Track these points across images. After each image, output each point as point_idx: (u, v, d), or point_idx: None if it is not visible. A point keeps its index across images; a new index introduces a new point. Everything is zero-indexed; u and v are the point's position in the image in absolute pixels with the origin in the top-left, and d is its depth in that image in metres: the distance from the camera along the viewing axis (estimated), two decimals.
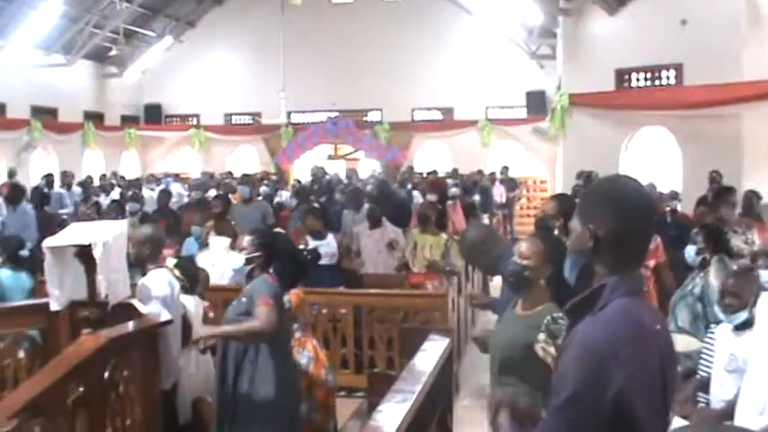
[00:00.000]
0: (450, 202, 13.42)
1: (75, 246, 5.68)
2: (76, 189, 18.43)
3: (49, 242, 5.78)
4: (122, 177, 22.95)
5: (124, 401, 5.27)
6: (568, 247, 2.68)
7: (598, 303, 2.50)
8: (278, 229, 8.22)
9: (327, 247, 9.82)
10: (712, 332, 5.75)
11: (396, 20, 27.55)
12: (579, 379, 2.36)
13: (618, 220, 2.53)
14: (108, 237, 5.58)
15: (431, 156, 27.74)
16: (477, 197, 17.95)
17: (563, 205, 5.72)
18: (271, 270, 5.76)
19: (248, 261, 5.75)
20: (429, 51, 27.48)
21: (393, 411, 3.82)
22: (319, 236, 9.91)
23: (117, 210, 12.56)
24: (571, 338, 2.49)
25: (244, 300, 5.56)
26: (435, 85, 27.89)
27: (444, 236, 10.23)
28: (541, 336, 4.03)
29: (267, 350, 5.48)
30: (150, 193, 17.46)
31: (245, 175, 15.25)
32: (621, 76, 20.12)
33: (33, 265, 8.69)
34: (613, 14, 19.69)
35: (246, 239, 5.84)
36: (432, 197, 12.58)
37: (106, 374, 5.06)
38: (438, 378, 4.73)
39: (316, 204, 11.72)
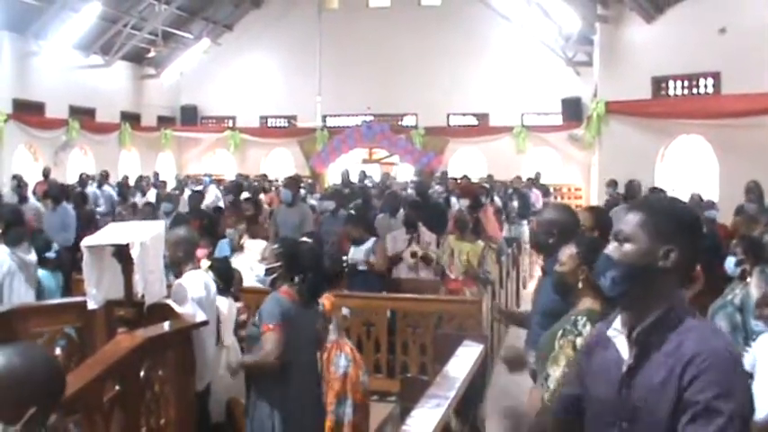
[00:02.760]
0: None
1: (112, 245, 5.71)
2: (112, 189, 18.53)
3: (87, 241, 5.81)
4: (158, 177, 23.05)
5: (159, 401, 5.28)
6: (618, 259, 2.64)
7: (671, 321, 2.55)
8: (306, 238, 8.16)
9: (365, 253, 9.83)
10: (753, 341, 5.72)
11: (432, 24, 27.55)
12: (737, 389, 2.38)
13: (694, 243, 2.62)
14: (145, 237, 5.61)
15: (465, 161, 27.67)
16: (515, 203, 17.91)
17: (599, 218, 5.67)
18: (296, 280, 5.66)
19: (268, 272, 5.74)
20: (465, 56, 27.42)
21: (426, 417, 3.80)
22: (359, 242, 9.92)
23: (150, 210, 12.64)
24: (677, 354, 2.48)
25: (256, 319, 5.57)
26: (471, 90, 27.83)
27: (481, 243, 10.20)
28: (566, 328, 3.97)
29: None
30: (188, 195, 17.56)
31: (289, 178, 14.94)
32: (658, 83, 19.97)
33: (61, 265, 8.75)
34: (651, 22, 19.54)
35: (269, 249, 5.83)
36: (464, 202, 12.52)
37: (142, 374, 5.08)
38: (471, 384, 4.71)
39: (352, 211, 11.69)
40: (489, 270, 9.99)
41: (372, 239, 10.12)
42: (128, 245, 5.58)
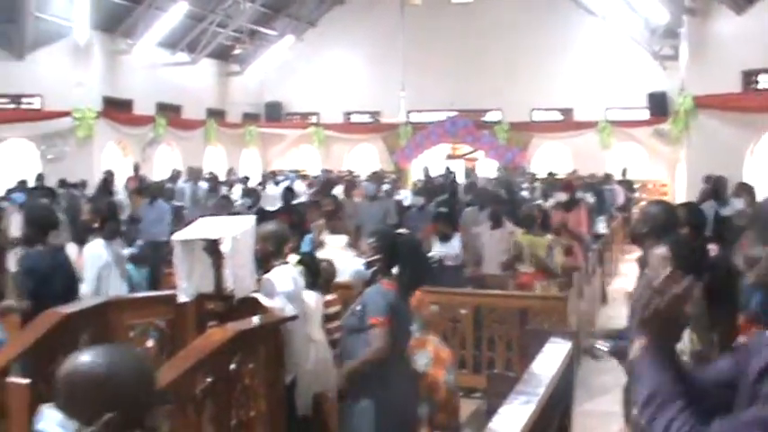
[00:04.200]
0: None
1: (203, 240, 5.80)
2: (202, 184, 18.83)
3: (178, 236, 5.92)
4: (235, 173, 23.35)
5: (249, 394, 5.35)
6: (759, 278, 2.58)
7: None
8: (401, 230, 8.19)
9: (451, 248, 9.82)
10: None
11: (516, 19, 27.35)
12: None
13: None
14: (237, 232, 5.69)
15: (550, 157, 27.44)
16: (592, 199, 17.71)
17: (691, 214, 5.58)
18: (394, 271, 5.64)
19: (368, 265, 5.73)
20: (549, 51, 27.16)
21: (514, 414, 3.78)
22: (446, 238, 9.92)
23: (227, 204, 12.79)
24: None
25: (358, 309, 5.55)
26: (555, 85, 27.57)
27: (549, 237, 10.10)
28: None
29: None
30: (273, 190, 17.77)
31: (372, 173, 15.24)
32: (748, 77, 19.56)
33: (145, 259, 8.93)
34: (741, 13, 19.12)
35: (367, 242, 5.82)
36: (562, 196, 12.38)
37: (233, 367, 5.15)
38: (559, 382, 4.67)
39: (442, 209, 11.68)
40: (556, 264, 9.90)
41: (458, 235, 10.11)
42: (219, 239, 5.67)
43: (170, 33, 24.81)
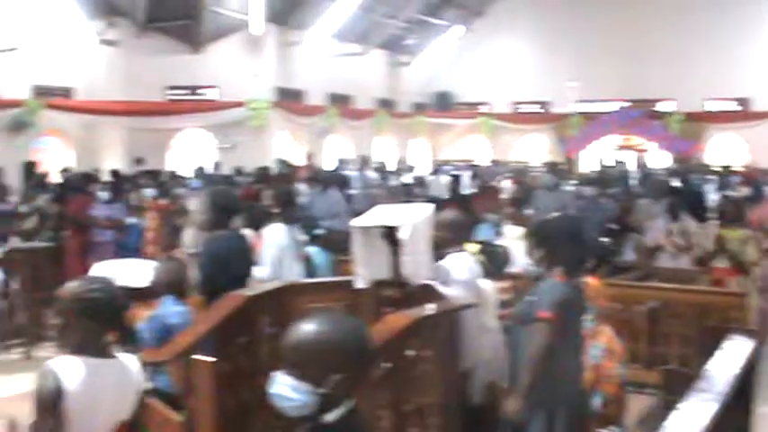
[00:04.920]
0: None
1: (382, 227, 5.85)
2: (370, 173, 19.06)
3: (356, 222, 5.99)
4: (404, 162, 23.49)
5: (425, 381, 5.37)
6: None
7: None
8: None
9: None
10: None
11: (690, 5, 26.49)
12: None
13: None
14: (416, 219, 5.72)
15: (724, 148, 26.47)
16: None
17: None
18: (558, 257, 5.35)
19: (536, 264, 5.53)
20: (725, 37, 26.23)
21: (693, 412, 3.64)
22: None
23: (404, 191, 12.86)
24: None
25: (531, 300, 5.40)
26: (731, 73, 26.55)
27: (746, 232, 9.74)
28: None
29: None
30: (441, 180, 17.82)
31: (550, 164, 14.96)
32: None
33: (329, 243, 9.07)
34: None
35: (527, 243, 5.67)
36: (744, 190, 11.95)
37: (409, 353, 5.18)
38: (739, 382, 4.49)
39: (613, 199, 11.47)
40: (751, 259, 9.54)
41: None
42: (397, 226, 5.71)
43: (341, 25, 25.18)
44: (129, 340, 3.70)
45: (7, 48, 18.21)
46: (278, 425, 4.72)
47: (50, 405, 3.35)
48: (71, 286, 3.58)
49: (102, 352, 3.54)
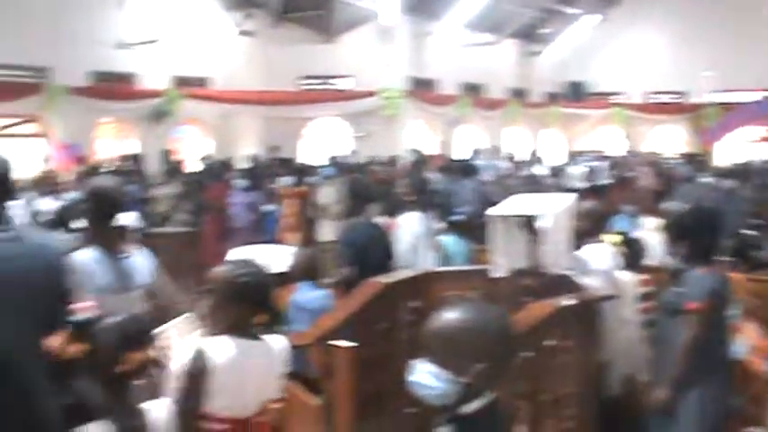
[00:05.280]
0: None
1: (521, 216, 5.81)
2: (502, 163, 18.95)
3: (495, 211, 5.95)
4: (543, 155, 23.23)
5: (564, 371, 5.32)
6: None
7: None
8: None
9: None
10: None
11: None
12: None
13: None
14: (557, 209, 5.66)
15: None
16: None
17: None
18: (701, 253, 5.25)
19: (681, 259, 5.37)
20: None
21: None
22: None
23: (537, 184, 12.74)
24: None
25: (678, 292, 5.25)
26: None
27: None
28: None
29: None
30: (575, 170, 17.62)
31: (687, 155, 14.61)
32: None
33: (467, 231, 9.03)
34: None
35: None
36: None
37: (548, 343, 5.14)
38: None
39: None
40: None
41: None
42: (536, 216, 5.65)
43: (475, 15, 25.07)
44: (277, 322, 3.78)
45: (148, 40, 18.81)
46: (415, 413, 4.77)
47: (196, 383, 3.45)
48: (222, 270, 3.68)
49: (250, 333, 3.63)
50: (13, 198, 3.38)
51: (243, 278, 3.60)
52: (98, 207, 4.66)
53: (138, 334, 3.48)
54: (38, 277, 3.15)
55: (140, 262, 4.77)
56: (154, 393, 3.63)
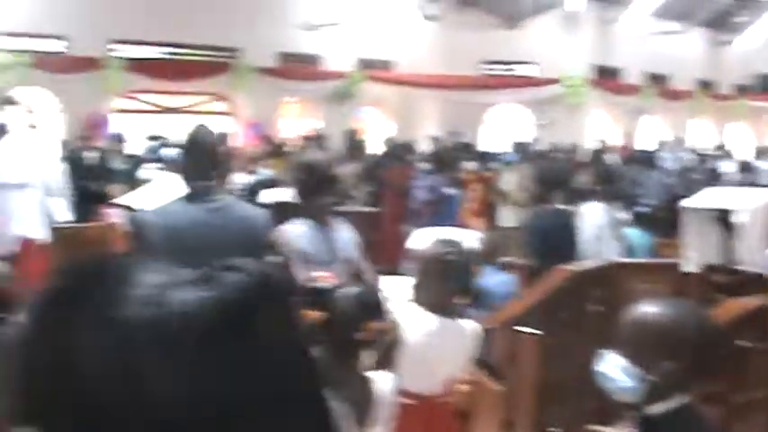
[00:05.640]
0: None
1: (716, 210, 5.66)
2: (685, 155, 18.45)
3: (689, 203, 5.83)
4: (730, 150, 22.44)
5: (757, 374, 5.16)
6: None
7: None
8: None
9: None
10: None
11: None
12: None
13: None
14: (755, 204, 5.48)
15: None
16: None
17: None
18: None
19: None
20: None
21: None
22: None
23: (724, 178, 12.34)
24: None
25: None
26: None
27: None
28: None
29: None
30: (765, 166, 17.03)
31: None
32: None
33: (649, 224, 8.85)
34: None
35: None
36: None
37: (742, 343, 5.00)
38: None
39: None
40: None
41: None
42: (733, 210, 5.50)
43: (662, 3, 24.43)
44: (476, 302, 3.84)
45: (331, 22, 19.22)
46: (597, 406, 4.74)
47: (390, 353, 3.54)
48: (428, 248, 3.77)
49: (448, 312, 3.69)
50: (228, 171, 3.56)
51: (448, 257, 3.68)
52: (309, 181, 4.78)
53: (376, 304, 3.60)
54: (237, 244, 3.32)
55: (346, 236, 4.88)
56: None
